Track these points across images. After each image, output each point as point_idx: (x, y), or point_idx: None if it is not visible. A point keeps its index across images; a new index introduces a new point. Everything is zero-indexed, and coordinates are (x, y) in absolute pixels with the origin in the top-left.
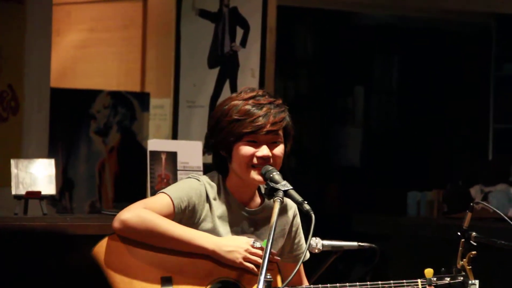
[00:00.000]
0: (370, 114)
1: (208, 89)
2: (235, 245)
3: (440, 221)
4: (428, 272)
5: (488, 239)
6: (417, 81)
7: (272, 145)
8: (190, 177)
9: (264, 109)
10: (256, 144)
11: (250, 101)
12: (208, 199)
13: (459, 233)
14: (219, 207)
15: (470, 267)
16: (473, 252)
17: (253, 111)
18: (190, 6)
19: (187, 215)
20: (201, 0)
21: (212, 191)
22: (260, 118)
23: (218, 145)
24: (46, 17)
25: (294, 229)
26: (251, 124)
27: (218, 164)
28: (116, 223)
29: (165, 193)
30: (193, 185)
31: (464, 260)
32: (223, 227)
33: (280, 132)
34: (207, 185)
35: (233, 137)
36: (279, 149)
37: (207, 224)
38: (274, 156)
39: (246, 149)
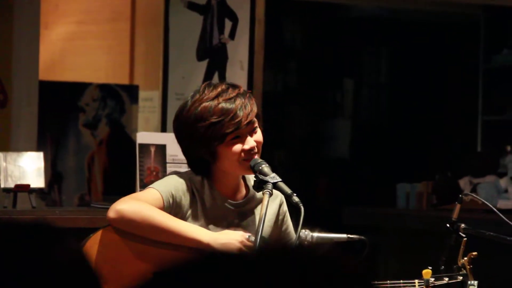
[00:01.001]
0: (359, 106)
1: (197, 81)
2: (231, 238)
3: (429, 212)
4: (426, 273)
5: (477, 230)
6: (406, 73)
7: (252, 133)
8: (174, 173)
9: (237, 102)
10: (240, 139)
11: (220, 99)
12: (193, 194)
13: (448, 225)
14: (204, 201)
15: (470, 266)
16: (474, 253)
17: (228, 108)
18: None
19: (174, 210)
20: None
21: (197, 186)
22: (237, 113)
23: (198, 151)
24: (34, 10)
25: (280, 217)
26: (231, 122)
27: (199, 168)
28: (111, 213)
29: (153, 188)
30: (180, 181)
31: (465, 259)
32: (210, 222)
33: (255, 118)
34: (191, 180)
35: (216, 140)
36: (259, 135)
37: (194, 220)
38: (257, 142)
39: (234, 148)
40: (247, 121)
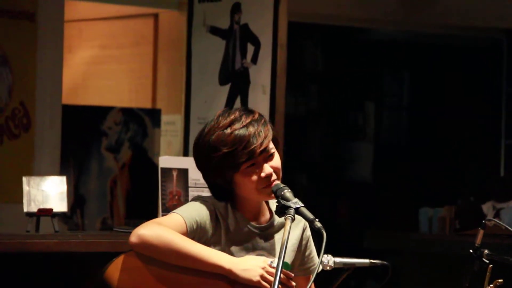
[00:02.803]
0: (380, 129)
1: (219, 105)
2: (252, 264)
3: (452, 237)
4: None
5: (501, 256)
6: (428, 96)
7: (269, 159)
8: (197, 198)
9: (250, 129)
10: (255, 166)
11: (233, 127)
12: (217, 219)
13: (471, 251)
14: (228, 226)
15: None
16: (500, 280)
17: (241, 137)
18: (201, 22)
19: (198, 235)
20: (212, 17)
21: (221, 211)
22: (251, 141)
23: (216, 180)
24: (58, 34)
25: (304, 242)
26: (244, 151)
27: (220, 195)
28: (133, 238)
29: (177, 213)
30: (203, 206)
31: (491, 286)
32: (234, 245)
33: (271, 144)
34: (215, 205)
35: (231, 170)
36: (277, 160)
37: (217, 244)
38: (274, 168)
39: (250, 176)
40: (261, 148)
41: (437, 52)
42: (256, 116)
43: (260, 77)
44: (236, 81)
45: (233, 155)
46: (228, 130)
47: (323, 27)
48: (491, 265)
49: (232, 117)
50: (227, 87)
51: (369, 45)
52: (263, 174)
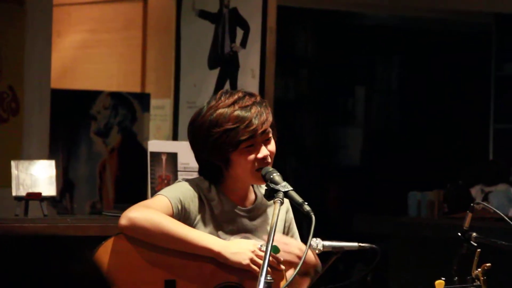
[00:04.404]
0: (370, 114)
1: (209, 89)
2: (242, 247)
3: (440, 221)
4: (439, 284)
5: (489, 239)
6: (418, 81)
7: (266, 143)
8: (181, 180)
9: (253, 110)
10: (253, 147)
11: (236, 106)
12: (201, 200)
13: (459, 234)
14: (213, 208)
15: (484, 278)
16: (488, 264)
17: (244, 116)
18: (190, 7)
19: (183, 217)
20: (201, 1)
21: (204, 192)
22: (253, 121)
23: (211, 157)
24: (46, 18)
25: (286, 224)
26: (246, 130)
27: (210, 173)
28: (123, 221)
29: (162, 194)
30: (187, 187)
31: (479, 270)
32: (218, 227)
33: (269, 128)
34: (199, 186)
35: (230, 146)
36: (273, 145)
37: (202, 226)
38: (270, 152)
39: (247, 156)
40: (262, 129)
41: (427, 37)
42: (258, 98)
43: (249, 61)
44: (225, 65)
45: (234, 132)
46: (231, 108)
47: (313, 11)
48: (479, 250)
49: (236, 96)
50: (216, 71)
51: (359, 30)
52: (260, 155)
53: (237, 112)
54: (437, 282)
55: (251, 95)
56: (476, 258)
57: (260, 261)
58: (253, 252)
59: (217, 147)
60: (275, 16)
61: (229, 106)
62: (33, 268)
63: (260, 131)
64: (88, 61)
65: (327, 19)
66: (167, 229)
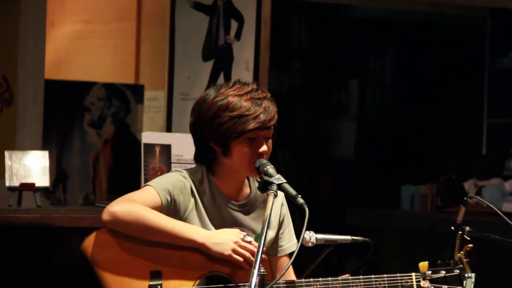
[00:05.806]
0: (364, 107)
1: (203, 81)
2: (225, 238)
3: (433, 215)
4: (423, 265)
5: (482, 233)
6: (411, 74)
7: (266, 140)
8: (173, 171)
9: (263, 104)
10: (255, 141)
11: (249, 96)
12: (192, 193)
13: (452, 228)
14: (205, 201)
15: (467, 260)
16: (470, 245)
17: (254, 108)
18: None
19: (173, 208)
20: None
21: (197, 185)
22: (262, 115)
23: (212, 139)
24: (40, 8)
25: (280, 219)
26: (254, 121)
27: (205, 155)
28: (105, 215)
29: (150, 185)
30: (178, 178)
31: (461, 252)
32: (210, 221)
33: (273, 127)
34: (191, 178)
35: (234, 133)
36: (270, 144)
37: (193, 218)
38: (268, 149)
39: (247, 147)
40: (269, 124)
41: (421, 30)
42: (269, 95)
43: (244, 53)
44: (219, 57)
45: (242, 120)
46: (244, 97)
47: (307, 3)
48: (460, 232)
49: (250, 87)
50: (210, 63)
51: (353, 22)
52: (259, 149)
53: (249, 103)
54: (420, 263)
55: (263, 90)
56: (458, 241)
57: (243, 251)
58: (235, 242)
59: (221, 131)
60: (269, 8)
61: (241, 95)
62: (26, 258)
63: (267, 124)
64: (82, 52)
65: (321, 11)
66: (149, 222)
